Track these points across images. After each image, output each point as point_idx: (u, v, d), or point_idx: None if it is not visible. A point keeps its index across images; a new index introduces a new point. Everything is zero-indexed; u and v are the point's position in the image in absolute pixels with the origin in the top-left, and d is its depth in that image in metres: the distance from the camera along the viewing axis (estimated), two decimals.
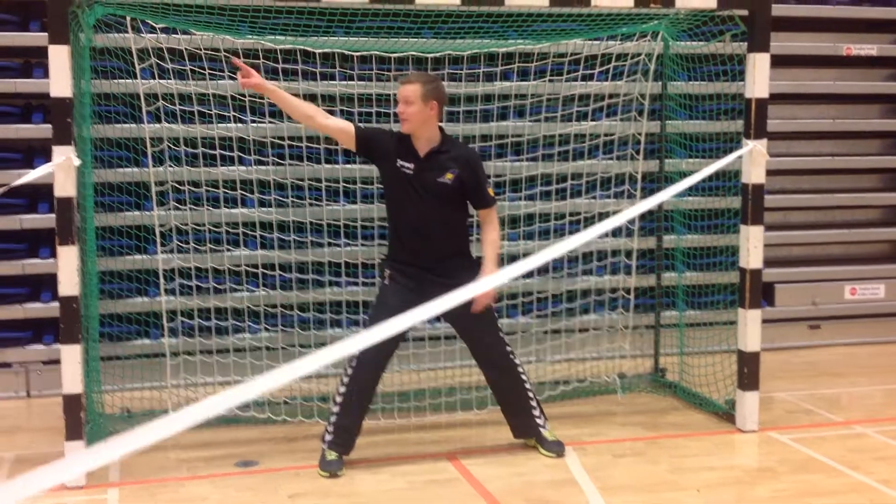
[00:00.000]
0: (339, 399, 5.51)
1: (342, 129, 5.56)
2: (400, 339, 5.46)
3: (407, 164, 5.46)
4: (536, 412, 5.76)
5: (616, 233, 7.09)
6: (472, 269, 5.53)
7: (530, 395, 5.75)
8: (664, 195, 5.51)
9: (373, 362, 5.47)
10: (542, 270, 7.13)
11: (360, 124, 5.84)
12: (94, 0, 5.36)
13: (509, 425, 5.83)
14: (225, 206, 6.79)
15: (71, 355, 5.22)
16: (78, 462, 2.37)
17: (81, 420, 5.28)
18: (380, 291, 5.69)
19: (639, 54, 6.92)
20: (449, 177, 5.45)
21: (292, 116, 5.71)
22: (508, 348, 5.69)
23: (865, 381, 7.36)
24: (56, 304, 5.49)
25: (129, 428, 6.46)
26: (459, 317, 5.35)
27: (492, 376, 5.74)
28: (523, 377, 5.72)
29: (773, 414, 6.45)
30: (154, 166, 6.44)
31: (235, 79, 6.59)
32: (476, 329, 5.61)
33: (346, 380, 5.50)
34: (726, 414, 6.26)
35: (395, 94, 6.83)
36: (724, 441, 5.98)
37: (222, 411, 2.62)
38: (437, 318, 6.29)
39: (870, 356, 8.10)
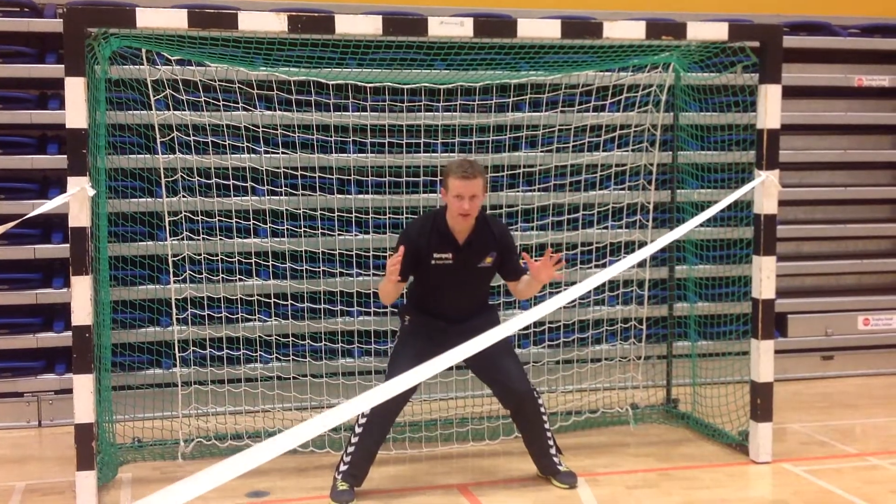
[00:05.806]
0: (357, 429, 5.49)
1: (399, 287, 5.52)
2: None
3: (444, 256, 5.46)
4: (551, 443, 5.73)
5: None
6: (491, 312, 5.72)
7: (546, 426, 5.73)
8: (685, 228, 5.48)
9: None
10: None
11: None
12: (110, 33, 5.42)
13: (533, 457, 5.78)
14: (238, 237, 6.82)
15: (83, 385, 5.22)
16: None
17: (93, 450, 5.27)
18: (400, 332, 5.70)
19: (650, 85, 6.94)
20: (489, 260, 5.54)
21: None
22: (528, 376, 5.71)
23: (880, 412, 7.30)
24: (69, 334, 5.51)
25: (140, 458, 6.40)
26: (482, 356, 5.32)
27: (516, 409, 5.66)
28: (542, 408, 5.70)
29: (787, 445, 6.41)
30: (167, 197, 6.48)
31: (249, 110, 6.69)
32: (501, 363, 5.56)
33: (365, 409, 5.47)
34: (739, 445, 6.22)
35: (407, 126, 6.93)
36: (737, 473, 5.93)
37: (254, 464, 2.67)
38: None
39: (884, 387, 8.04)
